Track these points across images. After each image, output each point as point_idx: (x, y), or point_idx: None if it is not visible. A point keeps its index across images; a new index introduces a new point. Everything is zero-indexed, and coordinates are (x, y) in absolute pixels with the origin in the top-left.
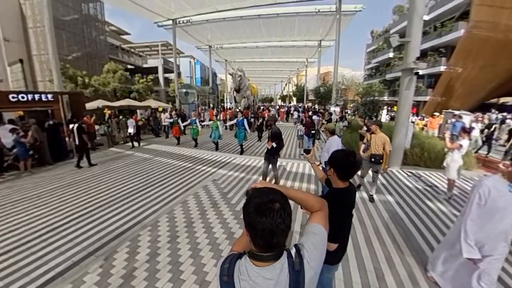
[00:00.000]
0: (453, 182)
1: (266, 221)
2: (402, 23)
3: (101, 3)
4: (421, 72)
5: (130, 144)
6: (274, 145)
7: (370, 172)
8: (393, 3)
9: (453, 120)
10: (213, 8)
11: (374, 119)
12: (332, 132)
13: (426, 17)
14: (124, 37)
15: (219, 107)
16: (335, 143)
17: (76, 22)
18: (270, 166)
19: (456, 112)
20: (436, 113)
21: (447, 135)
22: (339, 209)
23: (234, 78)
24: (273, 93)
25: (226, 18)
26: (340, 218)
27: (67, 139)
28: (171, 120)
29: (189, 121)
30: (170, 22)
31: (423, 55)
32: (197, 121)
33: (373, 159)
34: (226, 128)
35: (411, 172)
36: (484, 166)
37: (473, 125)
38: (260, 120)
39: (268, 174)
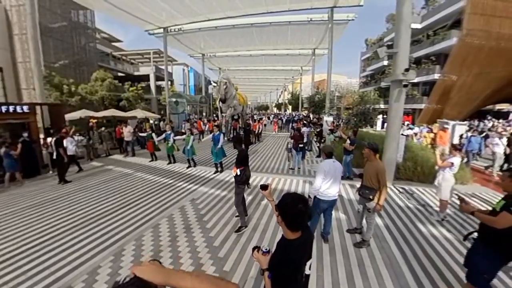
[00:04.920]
0: (445, 203)
1: None
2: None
3: (92, 11)
4: (415, 80)
5: (114, 156)
6: (238, 172)
7: None
8: (389, 11)
9: (469, 134)
10: (205, 17)
11: (357, 130)
12: (328, 155)
13: (419, 26)
14: (116, 44)
15: (213, 115)
16: (324, 168)
17: (64, 29)
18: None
19: (460, 123)
20: (447, 126)
21: (437, 152)
22: (285, 266)
23: (219, 87)
24: (269, 101)
25: (218, 27)
26: (288, 277)
27: (44, 151)
28: (145, 135)
29: (163, 135)
30: (161, 30)
31: (417, 63)
32: (172, 135)
33: (360, 192)
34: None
35: (403, 188)
36: (485, 181)
37: (496, 140)
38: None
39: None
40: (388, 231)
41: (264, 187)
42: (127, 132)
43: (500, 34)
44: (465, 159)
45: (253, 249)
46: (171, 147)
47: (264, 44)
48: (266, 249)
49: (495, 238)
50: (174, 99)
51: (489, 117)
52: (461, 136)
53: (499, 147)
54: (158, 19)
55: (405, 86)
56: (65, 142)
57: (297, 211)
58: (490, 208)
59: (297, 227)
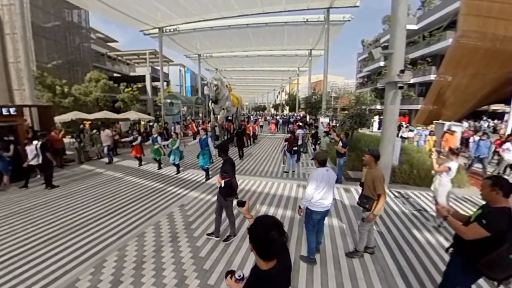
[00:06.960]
0: None
1: None
2: None
3: (86, 11)
4: (411, 81)
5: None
6: (223, 183)
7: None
8: (386, 12)
9: (476, 138)
10: (200, 17)
11: (352, 132)
12: (322, 163)
13: (414, 27)
14: (112, 44)
15: (209, 117)
16: (316, 177)
17: (57, 29)
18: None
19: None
20: (454, 129)
21: (434, 156)
22: None
23: (209, 88)
24: (266, 102)
25: (214, 27)
26: None
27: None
28: (131, 139)
29: (150, 139)
30: (157, 30)
31: (413, 63)
32: (159, 139)
33: (358, 201)
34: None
35: (399, 193)
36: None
37: (507, 145)
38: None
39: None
40: (382, 239)
41: (241, 203)
42: (104, 136)
43: (495, 35)
44: (468, 164)
45: (227, 274)
46: (157, 151)
47: (260, 45)
48: (240, 276)
49: (468, 248)
50: (169, 100)
51: (485, 118)
52: (467, 140)
53: (510, 153)
54: (153, 19)
55: (401, 88)
56: (28, 151)
57: (269, 239)
58: (467, 214)
59: (269, 256)
